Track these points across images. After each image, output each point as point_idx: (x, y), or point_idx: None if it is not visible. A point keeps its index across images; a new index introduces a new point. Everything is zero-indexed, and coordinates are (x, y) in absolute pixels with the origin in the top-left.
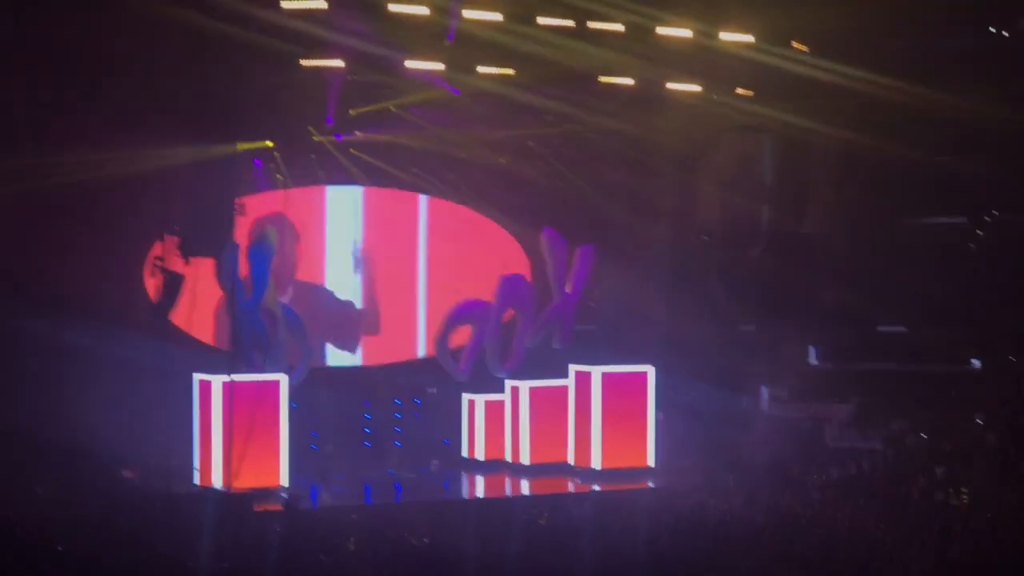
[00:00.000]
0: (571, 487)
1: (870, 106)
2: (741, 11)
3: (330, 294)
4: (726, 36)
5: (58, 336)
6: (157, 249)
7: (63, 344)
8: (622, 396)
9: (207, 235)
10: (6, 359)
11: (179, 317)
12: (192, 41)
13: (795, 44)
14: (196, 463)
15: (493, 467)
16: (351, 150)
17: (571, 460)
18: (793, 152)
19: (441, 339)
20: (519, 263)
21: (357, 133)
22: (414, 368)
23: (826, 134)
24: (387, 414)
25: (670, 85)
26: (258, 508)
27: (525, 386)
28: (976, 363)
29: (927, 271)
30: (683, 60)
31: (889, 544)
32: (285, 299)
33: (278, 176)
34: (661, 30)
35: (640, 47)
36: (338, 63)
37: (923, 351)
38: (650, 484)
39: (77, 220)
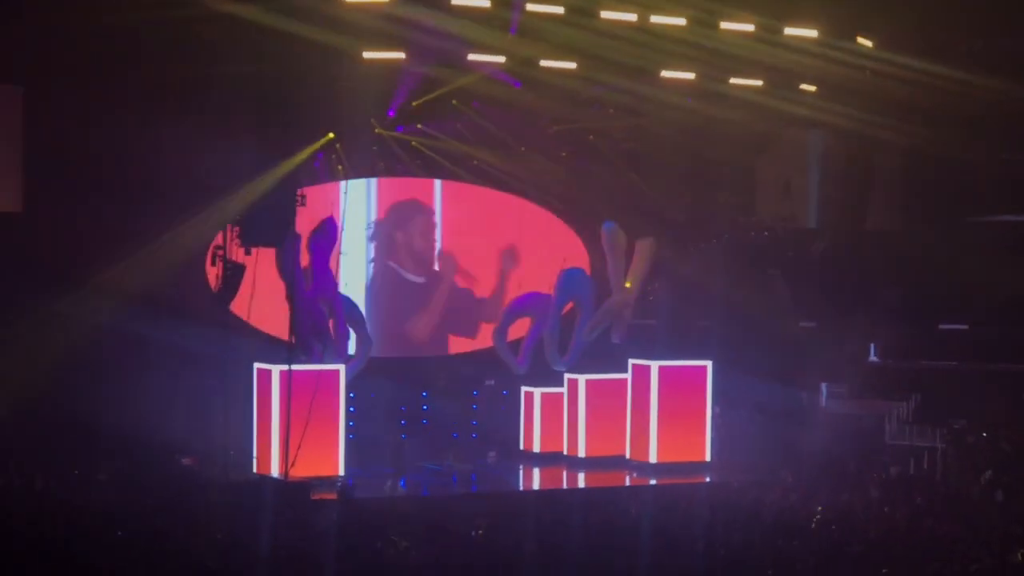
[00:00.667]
0: (628, 480)
1: (936, 102)
2: (806, 5)
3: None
4: (791, 31)
5: (119, 325)
6: (219, 239)
7: (124, 333)
8: (680, 390)
9: (269, 225)
10: (66, 349)
11: (240, 307)
12: (255, 38)
13: (860, 39)
14: (255, 451)
15: (550, 460)
16: (412, 143)
17: (628, 454)
18: (857, 148)
19: (500, 331)
20: (579, 257)
21: (419, 126)
22: (473, 360)
23: (891, 129)
24: (445, 405)
25: (733, 80)
26: (315, 496)
27: (583, 379)
28: None
29: (990, 268)
30: (746, 54)
31: (948, 544)
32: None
33: (339, 167)
34: (724, 24)
35: (702, 41)
36: (400, 56)
37: (985, 349)
38: (707, 478)
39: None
